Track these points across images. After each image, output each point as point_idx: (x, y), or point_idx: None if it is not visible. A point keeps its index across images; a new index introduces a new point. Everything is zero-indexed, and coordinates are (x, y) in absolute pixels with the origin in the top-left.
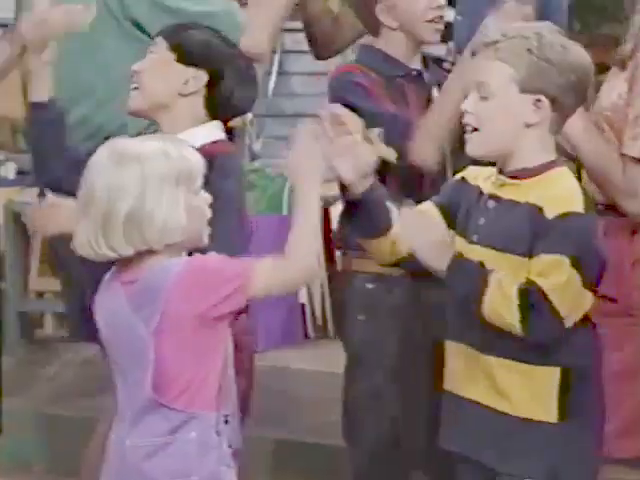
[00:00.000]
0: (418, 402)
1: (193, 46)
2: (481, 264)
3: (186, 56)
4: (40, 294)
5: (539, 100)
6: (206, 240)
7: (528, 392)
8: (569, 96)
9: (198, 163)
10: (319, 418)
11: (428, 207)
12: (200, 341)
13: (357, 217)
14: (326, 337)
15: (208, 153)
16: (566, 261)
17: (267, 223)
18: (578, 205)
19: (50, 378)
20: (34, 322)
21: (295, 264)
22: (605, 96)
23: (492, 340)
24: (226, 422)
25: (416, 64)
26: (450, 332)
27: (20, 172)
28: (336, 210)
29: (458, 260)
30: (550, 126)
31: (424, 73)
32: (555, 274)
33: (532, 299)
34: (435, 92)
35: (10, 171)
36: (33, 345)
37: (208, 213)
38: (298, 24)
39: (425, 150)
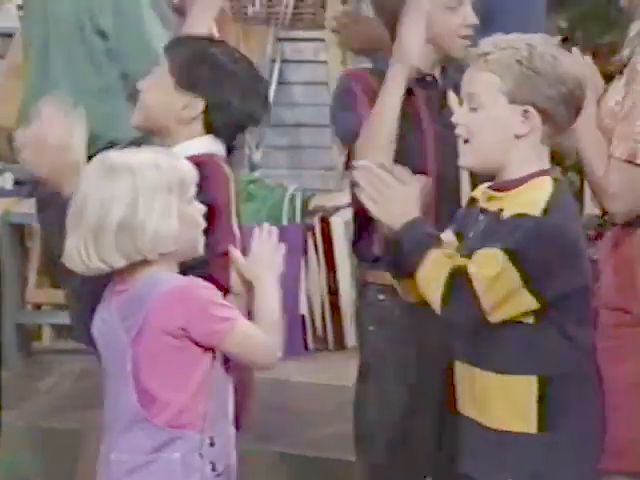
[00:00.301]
0: (428, 414)
1: (192, 72)
2: (437, 236)
3: (185, 82)
4: (38, 306)
5: (527, 111)
6: (201, 250)
7: (505, 404)
8: (560, 108)
9: (190, 173)
10: (319, 431)
11: (447, 235)
12: (178, 363)
13: (390, 255)
14: (326, 349)
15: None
16: (502, 256)
17: None
18: (535, 209)
19: (47, 391)
20: (31, 334)
21: (270, 347)
22: (604, 104)
23: (476, 352)
24: (211, 444)
25: (433, 70)
26: (454, 351)
27: (17, 182)
28: (336, 220)
29: (414, 223)
30: (542, 138)
31: (439, 78)
32: (488, 265)
33: (457, 281)
34: (450, 95)
35: (7, 181)
36: (30, 358)
37: (202, 222)
38: (299, 33)
39: (366, 153)
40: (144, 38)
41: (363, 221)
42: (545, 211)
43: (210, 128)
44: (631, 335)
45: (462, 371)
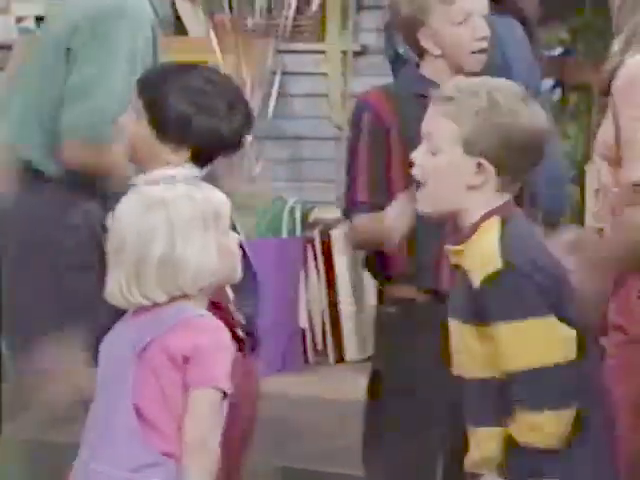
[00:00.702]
0: (438, 424)
1: (174, 124)
2: None
3: (167, 135)
4: None
5: (481, 164)
6: (238, 276)
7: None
8: (517, 160)
9: (223, 204)
10: (319, 445)
11: None
12: (171, 392)
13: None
14: (326, 363)
15: None
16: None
17: (267, 246)
18: (497, 262)
19: (46, 404)
20: None
21: (207, 450)
22: (600, 135)
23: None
24: None
25: None
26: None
27: None
28: (336, 233)
29: None
30: (497, 187)
31: None
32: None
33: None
34: None
35: None
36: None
37: (238, 251)
38: (299, 45)
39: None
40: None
41: None
42: (505, 260)
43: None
44: (630, 356)
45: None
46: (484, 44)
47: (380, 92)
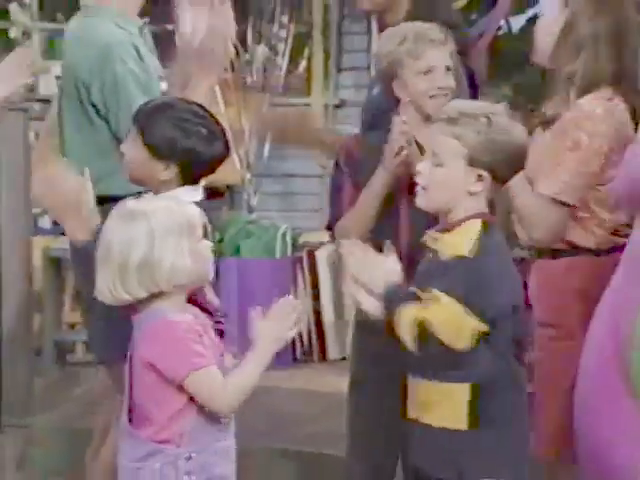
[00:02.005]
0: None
1: (163, 145)
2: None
3: (158, 154)
4: (72, 325)
5: (481, 175)
6: (210, 278)
7: (445, 406)
8: (507, 169)
9: (197, 216)
10: (305, 430)
11: None
12: (156, 389)
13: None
14: (312, 361)
15: None
16: (444, 296)
17: (262, 265)
18: (465, 250)
19: (79, 397)
20: (67, 349)
21: (227, 399)
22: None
23: (419, 365)
24: (188, 459)
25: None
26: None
27: (55, 223)
28: (320, 253)
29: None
30: (488, 194)
31: None
32: (436, 309)
33: (422, 332)
34: None
35: (46, 222)
36: (65, 368)
37: (211, 256)
38: (289, 99)
39: (348, 232)
40: (129, 111)
41: None
42: (474, 252)
43: (184, 181)
44: (560, 350)
45: (412, 383)
46: (443, 92)
47: (352, 139)
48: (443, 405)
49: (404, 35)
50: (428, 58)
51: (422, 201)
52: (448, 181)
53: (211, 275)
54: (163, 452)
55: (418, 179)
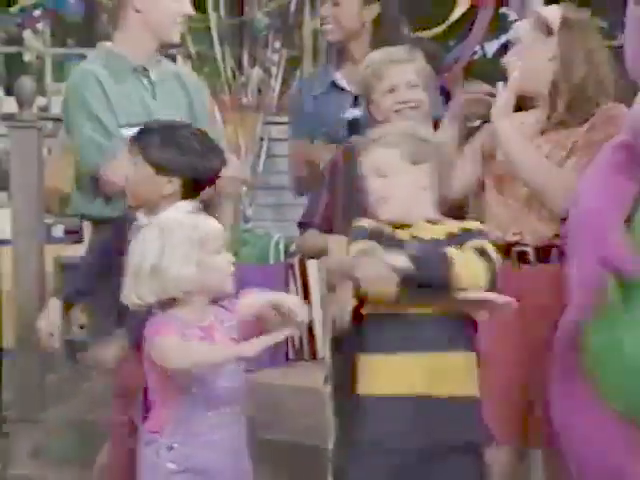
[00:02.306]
0: None
1: (166, 160)
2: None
3: (163, 170)
4: (82, 326)
5: (423, 169)
6: (228, 289)
7: (471, 375)
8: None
9: (213, 230)
10: (297, 423)
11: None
12: (160, 379)
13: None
14: (303, 359)
15: None
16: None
17: (258, 270)
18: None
19: (88, 391)
20: (78, 348)
21: (178, 357)
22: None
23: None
24: (169, 449)
25: None
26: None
27: (67, 232)
28: (310, 260)
29: (420, 256)
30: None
31: None
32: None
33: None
34: None
35: (58, 231)
36: (76, 365)
37: (229, 269)
38: (282, 118)
39: None
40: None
41: None
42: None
43: (185, 195)
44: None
45: (431, 359)
46: (405, 106)
47: (343, 151)
48: (470, 374)
49: (372, 59)
50: (391, 77)
51: (384, 213)
52: (400, 186)
53: (229, 286)
54: (156, 442)
55: (374, 195)
